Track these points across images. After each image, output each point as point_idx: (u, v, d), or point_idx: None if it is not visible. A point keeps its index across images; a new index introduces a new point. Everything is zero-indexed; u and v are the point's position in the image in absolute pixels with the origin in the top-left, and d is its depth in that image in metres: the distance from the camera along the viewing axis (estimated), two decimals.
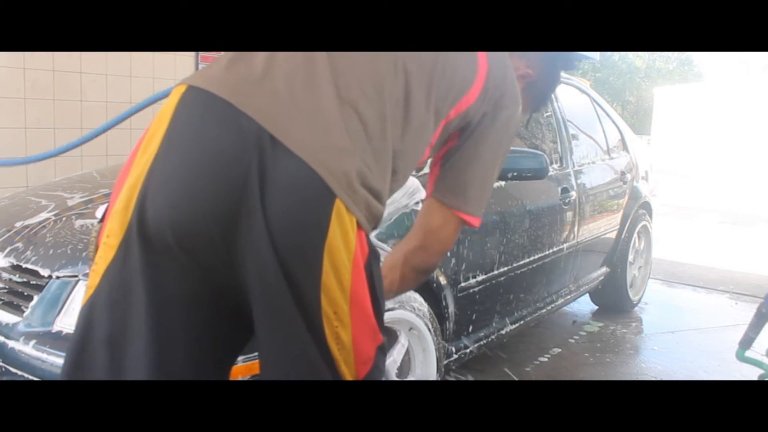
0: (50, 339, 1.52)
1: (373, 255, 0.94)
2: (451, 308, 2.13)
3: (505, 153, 1.15)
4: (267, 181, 0.83)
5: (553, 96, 3.03)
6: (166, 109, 0.89)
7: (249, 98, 0.86)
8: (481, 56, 1.07)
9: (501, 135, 1.11)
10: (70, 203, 1.96)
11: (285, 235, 0.84)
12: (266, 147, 0.83)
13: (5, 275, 1.69)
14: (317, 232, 0.84)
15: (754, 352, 2.12)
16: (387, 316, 1.81)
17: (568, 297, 3.07)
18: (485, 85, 1.06)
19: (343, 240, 0.86)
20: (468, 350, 2.28)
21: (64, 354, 1.46)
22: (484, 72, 1.06)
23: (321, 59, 0.91)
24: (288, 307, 0.85)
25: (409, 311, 1.89)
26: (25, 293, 1.64)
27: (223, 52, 0.95)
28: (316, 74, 0.90)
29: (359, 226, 0.89)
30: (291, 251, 0.84)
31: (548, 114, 2.98)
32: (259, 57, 0.90)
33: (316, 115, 0.87)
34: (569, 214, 2.87)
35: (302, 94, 0.88)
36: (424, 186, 1.67)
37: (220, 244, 0.86)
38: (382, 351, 0.97)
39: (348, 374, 0.91)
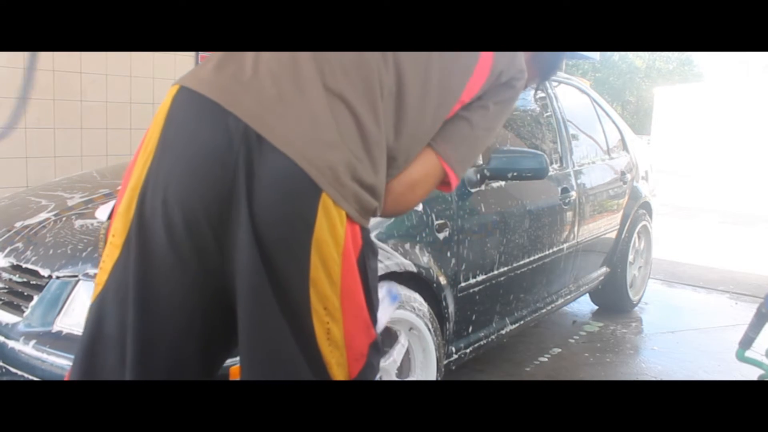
0: (50, 339, 1.52)
1: (368, 248, 0.93)
2: (451, 308, 2.12)
3: (501, 123, 1.12)
4: (254, 179, 0.84)
5: (553, 95, 3.03)
6: (162, 110, 0.91)
7: (237, 98, 0.86)
8: None
9: (503, 106, 1.10)
10: (70, 203, 1.96)
11: (270, 230, 0.84)
12: (252, 145, 0.84)
13: (5, 275, 1.69)
14: (303, 226, 0.85)
15: (754, 352, 2.12)
16: None
17: (568, 297, 3.07)
18: (494, 65, 1.04)
19: (331, 234, 0.86)
20: (468, 350, 2.28)
21: (63, 354, 1.47)
22: (489, 54, 1.04)
23: (306, 55, 0.90)
24: (270, 307, 0.85)
25: (409, 311, 1.89)
26: (25, 293, 1.64)
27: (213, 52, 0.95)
28: (302, 69, 0.90)
29: (351, 219, 0.88)
30: (277, 246, 0.84)
31: (548, 114, 2.98)
32: (248, 57, 0.91)
33: (303, 110, 0.87)
34: (569, 214, 2.86)
35: (289, 90, 0.88)
36: None
37: (213, 244, 0.87)
38: (376, 348, 0.96)
39: (340, 374, 0.90)
